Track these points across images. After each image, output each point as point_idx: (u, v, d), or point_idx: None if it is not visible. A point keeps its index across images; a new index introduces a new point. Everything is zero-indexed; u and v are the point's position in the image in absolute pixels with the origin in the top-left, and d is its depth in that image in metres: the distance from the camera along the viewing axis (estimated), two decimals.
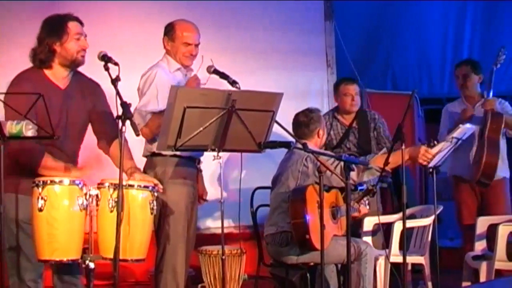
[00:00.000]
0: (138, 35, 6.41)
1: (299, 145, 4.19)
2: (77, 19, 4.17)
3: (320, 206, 4.27)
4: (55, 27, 4.09)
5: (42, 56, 4.08)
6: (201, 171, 4.95)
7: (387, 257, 5.28)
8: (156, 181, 4.08)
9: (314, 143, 5.02)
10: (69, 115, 4.12)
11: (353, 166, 4.20)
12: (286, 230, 4.79)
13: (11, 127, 3.60)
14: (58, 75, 4.12)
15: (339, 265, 5.17)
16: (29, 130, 3.60)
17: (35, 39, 5.56)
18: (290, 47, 6.99)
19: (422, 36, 8.37)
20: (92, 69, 4.17)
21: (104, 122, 4.24)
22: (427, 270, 5.59)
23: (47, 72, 4.11)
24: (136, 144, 4.48)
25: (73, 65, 4.12)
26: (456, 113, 6.24)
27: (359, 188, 4.89)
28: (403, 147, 4.51)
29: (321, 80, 7.12)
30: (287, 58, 6.97)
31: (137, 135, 3.71)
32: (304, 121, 5.19)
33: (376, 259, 5.26)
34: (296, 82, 6.97)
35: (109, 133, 4.23)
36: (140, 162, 4.62)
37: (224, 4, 6.83)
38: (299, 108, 6.71)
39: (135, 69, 4.73)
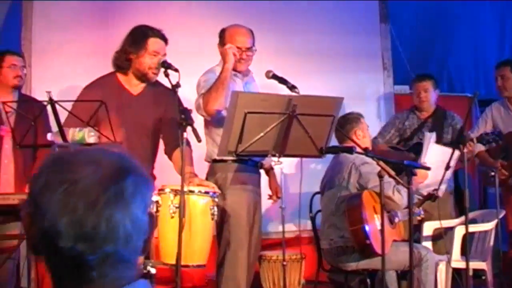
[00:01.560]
0: (196, 39, 6.40)
1: (361, 150, 4.15)
2: (161, 36, 4.25)
3: (381, 211, 4.25)
4: (136, 39, 4.27)
5: (119, 62, 4.29)
6: (272, 168, 4.87)
7: (449, 263, 5.18)
8: (214, 186, 4.08)
9: (357, 142, 4.86)
10: (139, 121, 4.20)
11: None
12: (339, 245, 4.74)
13: (74, 134, 3.66)
14: (131, 82, 4.27)
15: (399, 271, 5.09)
16: (91, 136, 3.65)
17: (84, 48, 5.74)
18: (345, 49, 6.92)
19: (478, 37, 8.23)
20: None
21: (169, 128, 4.29)
22: (489, 276, 5.47)
23: (122, 77, 4.27)
24: (199, 149, 4.49)
25: (143, 78, 4.25)
26: (497, 117, 6.07)
27: None
28: (465, 150, 4.46)
29: (377, 83, 7.03)
30: (342, 61, 6.91)
31: (199, 141, 3.72)
32: (339, 122, 5.11)
33: (437, 264, 5.17)
34: (352, 85, 6.88)
35: (172, 139, 4.28)
36: (204, 167, 4.64)
37: (279, 7, 6.80)
38: (354, 110, 6.73)
39: (197, 74, 4.74)
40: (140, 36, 4.25)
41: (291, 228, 5.74)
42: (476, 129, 6.12)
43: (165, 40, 4.31)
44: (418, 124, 6.14)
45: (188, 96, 4.79)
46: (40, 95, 6.00)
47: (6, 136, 4.87)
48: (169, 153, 4.44)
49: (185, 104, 4.45)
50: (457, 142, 4.56)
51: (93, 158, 1.32)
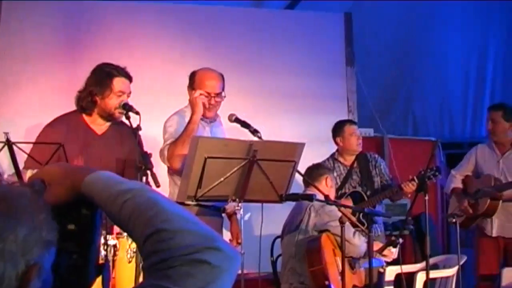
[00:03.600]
0: (164, 77, 6.40)
1: (321, 197, 4.14)
2: (126, 75, 4.21)
3: (342, 255, 4.24)
4: (101, 79, 4.18)
5: (83, 103, 4.20)
6: (234, 213, 4.81)
7: None
8: None
9: (322, 190, 4.85)
10: (103, 161, 4.14)
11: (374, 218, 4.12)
12: None
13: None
14: (96, 122, 4.21)
15: None
16: None
17: (48, 83, 5.68)
18: (311, 91, 6.97)
19: (443, 81, 8.32)
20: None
21: (132, 169, 4.11)
22: None
23: (86, 118, 4.17)
24: (163, 190, 4.44)
25: (109, 118, 4.18)
26: (480, 158, 6.11)
27: None
28: (426, 197, 4.49)
29: None
30: (308, 102, 6.95)
31: (157, 186, 3.67)
32: (313, 166, 5.18)
33: None
34: (318, 126, 6.91)
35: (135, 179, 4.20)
36: None
37: (246, 47, 6.84)
38: (320, 153, 6.72)
39: (163, 112, 4.72)
40: (104, 76, 4.17)
41: (251, 271, 5.69)
42: (460, 167, 6.17)
43: (129, 78, 4.25)
44: (345, 172, 6.06)
45: (152, 134, 4.79)
46: (5, 128, 5.95)
47: None
48: None
49: (149, 142, 4.46)
50: (419, 190, 4.59)
51: None
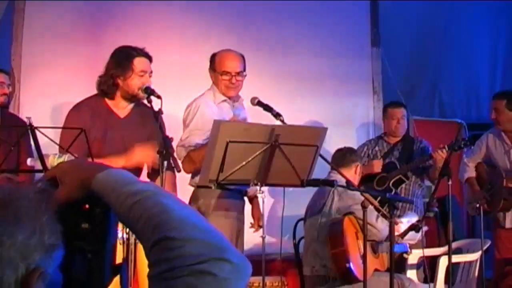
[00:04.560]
0: (185, 60, 6.40)
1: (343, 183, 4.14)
2: (145, 55, 4.20)
3: (364, 240, 4.23)
4: (121, 61, 4.16)
5: (105, 87, 4.19)
6: (256, 197, 4.83)
7: None
8: None
9: (349, 176, 4.79)
10: (126, 145, 4.15)
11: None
12: (321, 274, 4.73)
13: (54, 161, 3.62)
14: (119, 105, 4.21)
15: None
16: None
17: (74, 63, 5.72)
18: (336, 73, 6.91)
19: (470, 61, 8.20)
20: None
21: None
22: None
23: (108, 101, 4.18)
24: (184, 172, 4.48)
25: (133, 99, 4.18)
26: (491, 146, 6.05)
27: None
28: (450, 182, 4.46)
29: (367, 107, 7.02)
30: (333, 84, 6.90)
31: (178, 171, 3.69)
32: (347, 150, 5.16)
33: None
34: (342, 109, 6.89)
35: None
36: (188, 191, 4.61)
37: (270, 30, 6.79)
38: (344, 135, 6.72)
39: (184, 93, 4.71)
40: (124, 58, 4.17)
41: (274, 252, 5.69)
42: (471, 155, 6.10)
43: (149, 57, 4.24)
44: (387, 148, 6.18)
45: (175, 116, 4.81)
46: (29, 110, 6.02)
47: None
48: (152, 177, 4.39)
49: (172, 125, 4.47)
50: (442, 174, 4.55)
51: None
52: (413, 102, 7.48)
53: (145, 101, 4.07)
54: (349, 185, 4.05)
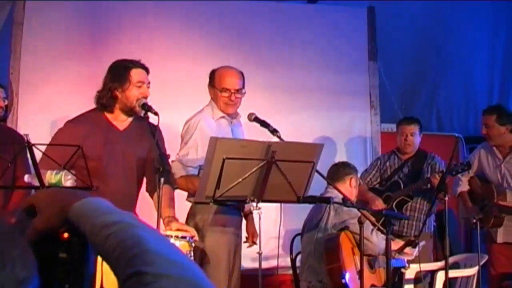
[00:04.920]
0: (184, 73, 6.42)
1: (339, 200, 4.15)
2: (142, 66, 4.22)
3: (360, 255, 4.24)
4: (118, 74, 4.18)
5: (104, 101, 4.20)
6: (251, 213, 4.81)
7: None
8: (193, 232, 4.05)
9: (345, 189, 4.80)
10: (126, 157, 4.17)
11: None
12: None
13: (51, 177, 3.63)
14: (118, 118, 4.21)
15: None
16: (68, 180, 3.62)
17: (73, 78, 5.73)
18: (334, 86, 6.93)
19: (467, 74, 8.23)
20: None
21: (153, 166, 4.06)
22: None
23: (108, 115, 4.19)
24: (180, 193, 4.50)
25: (131, 112, 4.19)
26: (483, 161, 6.08)
27: None
28: (446, 198, 4.49)
29: (364, 121, 7.03)
30: (330, 98, 6.92)
31: (174, 189, 3.69)
32: (340, 164, 5.19)
33: None
34: (339, 122, 6.91)
35: (155, 179, 4.06)
36: (186, 207, 4.62)
37: (268, 42, 6.81)
38: (341, 149, 6.74)
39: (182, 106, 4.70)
40: (121, 70, 4.19)
41: (271, 265, 5.68)
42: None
43: (146, 69, 4.26)
44: (398, 164, 6.22)
45: (173, 130, 4.82)
46: (27, 124, 6.03)
47: None
48: (150, 191, 4.38)
49: (171, 137, 4.49)
50: (438, 190, 4.58)
51: None
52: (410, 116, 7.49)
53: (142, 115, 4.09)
54: (345, 201, 4.06)
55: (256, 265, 5.59)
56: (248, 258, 5.25)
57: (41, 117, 6.10)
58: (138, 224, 1.26)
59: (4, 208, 4.87)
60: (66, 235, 1.33)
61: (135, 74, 4.17)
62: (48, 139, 4.17)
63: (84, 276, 1.35)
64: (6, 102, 5.17)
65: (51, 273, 1.28)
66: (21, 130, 5.92)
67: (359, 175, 5.97)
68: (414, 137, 6.18)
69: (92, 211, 1.29)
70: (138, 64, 4.23)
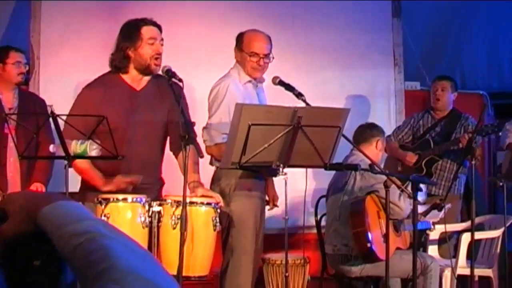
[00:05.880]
0: (206, 35, 6.35)
1: (367, 162, 4.11)
2: (153, 23, 4.16)
3: (386, 219, 4.22)
4: (129, 33, 4.12)
5: (117, 62, 4.13)
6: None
7: (453, 271, 5.15)
8: (218, 198, 4.04)
9: (370, 152, 4.78)
10: (146, 118, 4.13)
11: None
12: (343, 253, 4.74)
13: (76, 147, 3.62)
14: (134, 78, 4.15)
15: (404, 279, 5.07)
16: (93, 150, 3.61)
17: (93, 40, 5.70)
18: (357, 45, 6.81)
19: (491, 31, 8.09)
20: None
21: (177, 126, 3.99)
22: (495, 283, 5.44)
23: (123, 76, 4.13)
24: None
25: (146, 71, 4.11)
26: None
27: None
28: (474, 162, 4.44)
29: (388, 79, 6.93)
30: (354, 57, 6.82)
31: (201, 157, 3.68)
32: (368, 125, 5.13)
33: (442, 270, 5.14)
34: (363, 81, 6.82)
35: (179, 138, 3.97)
36: (210, 170, 4.61)
37: (291, 4, 6.70)
38: (364, 107, 6.68)
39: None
40: (132, 29, 4.11)
41: (296, 226, 5.68)
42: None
43: (158, 26, 4.17)
44: (431, 123, 6.22)
45: (197, 95, 4.78)
46: (47, 88, 6.03)
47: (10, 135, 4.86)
48: (175, 151, 4.28)
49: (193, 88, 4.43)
50: (465, 153, 4.54)
51: None
52: (434, 74, 7.39)
53: (160, 73, 4.05)
54: (372, 167, 4.01)
55: (279, 225, 5.65)
56: (272, 219, 5.26)
57: (63, 79, 6.09)
58: (109, 233, 1.19)
59: (28, 176, 4.90)
60: (37, 262, 1.27)
61: (146, 31, 4.09)
62: (71, 101, 4.15)
63: (61, 285, 1.29)
64: (27, 68, 5.17)
65: (24, 282, 1.23)
66: (43, 93, 5.95)
67: (388, 133, 5.95)
68: (446, 92, 6.17)
69: (62, 217, 1.22)
70: (149, 22, 4.14)
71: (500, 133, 6.14)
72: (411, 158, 5.97)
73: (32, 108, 5.06)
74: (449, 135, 6.08)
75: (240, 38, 4.64)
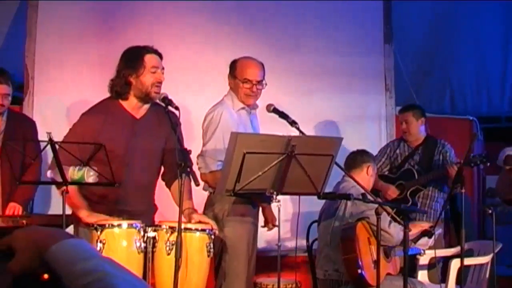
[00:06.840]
0: (198, 59, 6.41)
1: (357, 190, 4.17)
2: (155, 52, 4.21)
3: (377, 247, 4.27)
4: (132, 60, 4.15)
5: (118, 88, 4.17)
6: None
7: None
8: (213, 224, 4.09)
9: (362, 178, 4.86)
10: (143, 146, 4.18)
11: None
12: (334, 279, 4.79)
13: (73, 173, 3.66)
14: (134, 105, 4.19)
15: None
16: (90, 177, 3.66)
17: (88, 60, 5.74)
18: (349, 69, 6.88)
19: (481, 55, 8.18)
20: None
21: (172, 155, 4.08)
22: None
23: (123, 103, 4.17)
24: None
25: (146, 98, 4.16)
26: None
27: None
28: (463, 190, 4.51)
29: (379, 104, 6.99)
30: (345, 81, 6.88)
31: (197, 185, 3.73)
32: (359, 152, 5.18)
33: None
34: (354, 105, 6.88)
35: (173, 168, 4.08)
36: (202, 195, 4.66)
37: (283, 25, 6.78)
38: (355, 132, 6.73)
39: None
40: (135, 56, 4.16)
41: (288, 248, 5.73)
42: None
43: (159, 54, 4.24)
44: (408, 151, 6.23)
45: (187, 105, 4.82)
46: (42, 108, 6.07)
47: None
48: (167, 181, 4.38)
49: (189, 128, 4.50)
50: (455, 181, 4.61)
51: None
52: (424, 98, 7.50)
53: (160, 102, 4.09)
54: (364, 197, 4.08)
55: (269, 246, 5.69)
56: (262, 241, 5.29)
57: (57, 99, 6.14)
58: (115, 272, 1.24)
59: (10, 197, 4.89)
60: (46, 276, 1.31)
61: (149, 59, 4.15)
62: (65, 121, 4.19)
63: None
64: (10, 99, 4.99)
65: None
66: (38, 113, 6.00)
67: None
68: (410, 125, 6.17)
69: (70, 255, 1.28)
70: (151, 50, 4.21)
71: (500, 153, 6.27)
72: (393, 193, 5.98)
73: (19, 131, 5.01)
74: (429, 163, 6.10)
75: (233, 65, 4.71)
